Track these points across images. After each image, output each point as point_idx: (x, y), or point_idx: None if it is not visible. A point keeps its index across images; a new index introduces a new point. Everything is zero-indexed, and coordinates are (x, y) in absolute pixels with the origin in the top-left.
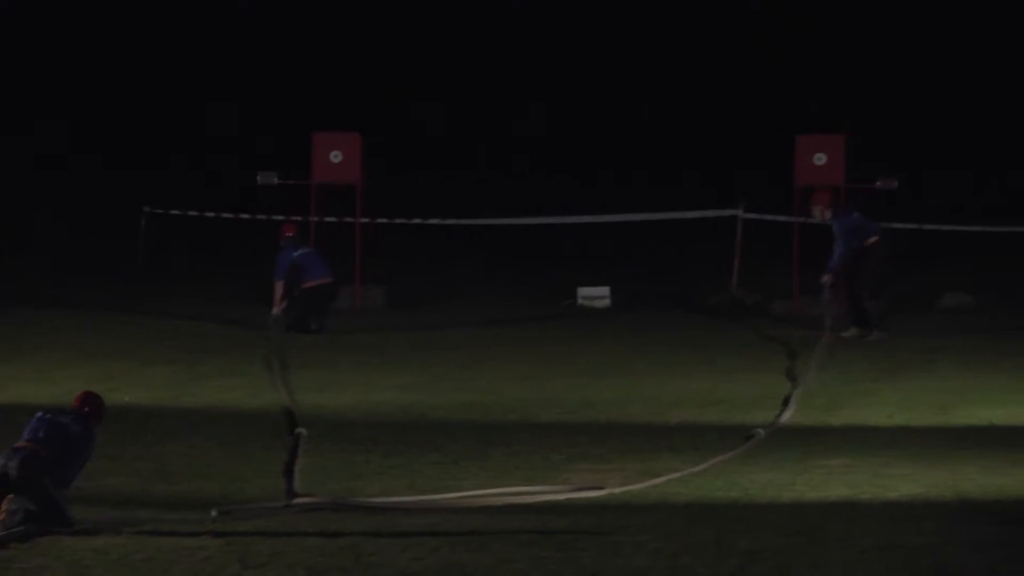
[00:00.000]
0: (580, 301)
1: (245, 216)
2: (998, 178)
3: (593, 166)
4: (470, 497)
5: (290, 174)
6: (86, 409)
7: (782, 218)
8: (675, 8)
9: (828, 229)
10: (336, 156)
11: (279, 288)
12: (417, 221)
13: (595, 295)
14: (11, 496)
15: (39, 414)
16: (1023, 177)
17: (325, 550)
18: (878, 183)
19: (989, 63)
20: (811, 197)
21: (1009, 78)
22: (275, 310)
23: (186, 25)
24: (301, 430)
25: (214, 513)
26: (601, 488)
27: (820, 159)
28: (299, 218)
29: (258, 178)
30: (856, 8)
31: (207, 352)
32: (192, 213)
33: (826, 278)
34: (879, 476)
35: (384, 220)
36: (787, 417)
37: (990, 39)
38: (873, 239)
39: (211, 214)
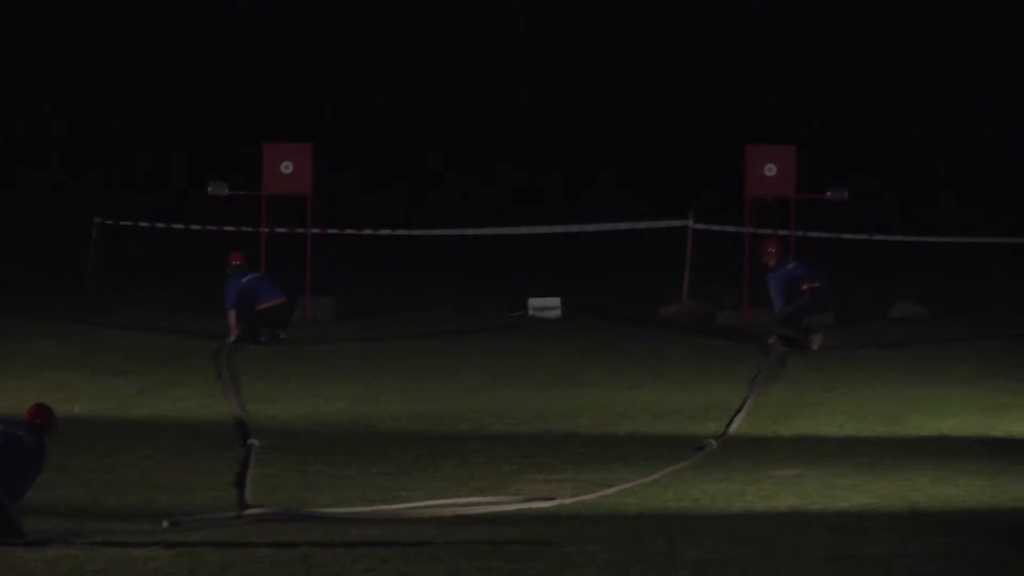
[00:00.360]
0: (531, 312)
1: (196, 227)
2: (953, 189)
3: (545, 176)
4: (421, 508)
5: (242, 184)
6: (38, 421)
7: (732, 228)
8: (625, 17)
9: (769, 236)
10: (287, 167)
11: (231, 317)
12: (368, 232)
13: (546, 306)
14: None
15: None
16: (979, 190)
17: (276, 561)
18: (828, 193)
19: (945, 74)
20: (763, 242)
21: (962, 95)
22: (230, 338)
23: (143, 31)
24: (253, 441)
25: (165, 524)
26: (552, 499)
27: (770, 169)
28: (249, 228)
29: (209, 188)
30: (811, 17)
31: (158, 363)
32: (143, 223)
33: (772, 340)
34: (829, 486)
35: (335, 231)
36: (737, 426)
37: (949, 48)
38: (807, 285)
39: (162, 225)
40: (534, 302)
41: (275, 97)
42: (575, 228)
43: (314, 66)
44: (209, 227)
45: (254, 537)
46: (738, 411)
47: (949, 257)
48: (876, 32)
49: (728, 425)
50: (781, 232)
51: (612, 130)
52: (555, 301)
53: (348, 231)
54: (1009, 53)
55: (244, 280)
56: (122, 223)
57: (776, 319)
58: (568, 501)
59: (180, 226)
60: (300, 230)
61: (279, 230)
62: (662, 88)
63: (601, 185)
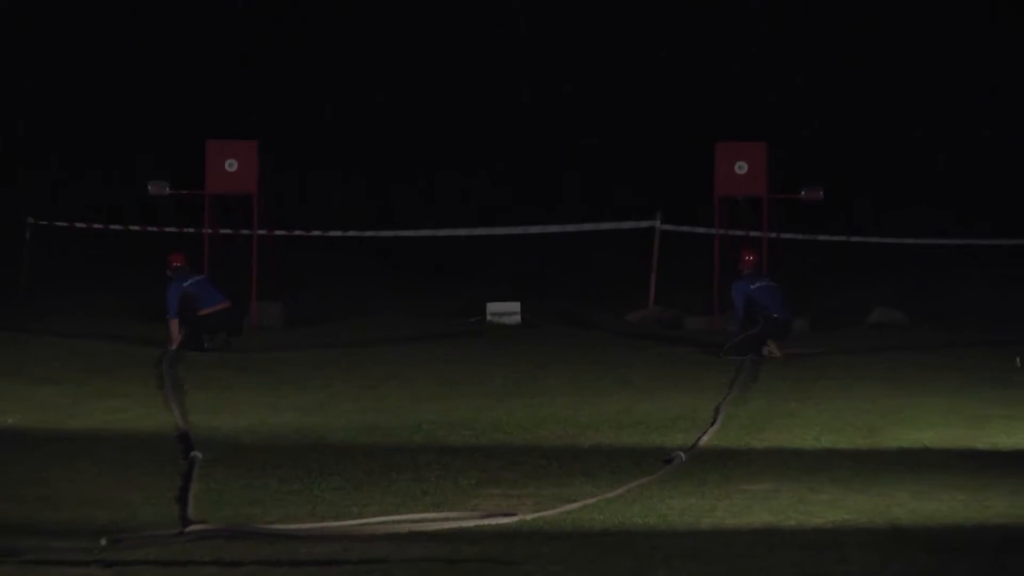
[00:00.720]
0: (489, 317)
1: (135, 228)
2: (936, 190)
3: (505, 176)
4: (374, 524)
5: (185, 183)
6: None
7: (701, 230)
8: (592, 14)
9: (749, 241)
10: (231, 165)
11: (173, 325)
12: (317, 233)
13: (505, 311)
14: None
15: None
16: (961, 191)
17: None
18: (803, 192)
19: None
20: (742, 249)
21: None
22: (172, 346)
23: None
24: (196, 453)
25: (103, 542)
26: (513, 514)
27: (741, 167)
28: (192, 229)
29: (149, 188)
30: (786, 17)
31: (96, 372)
32: (80, 225)
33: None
34: (804, 502)
35: (283, 232)
36: (708, 438)
37: (928, 49)
38: (771, 314)
39: (99, 226)
40: (493, 307)
41: (221, 93)
42: (535, 229)
43: (264, 62)
44: (149, 228)
45: (197, 555)
46: (712, 423)
47: (927, 260)
48: (874, 32)
49: (699, 437)
50: (753, 234)
51: (580, 129)
52: (515, 306)
53: (296, 232)
54: (1000, 52)
55: (185, 284)
56: (56, 224)
57: (726, 346)
58: (529, 517)
59: (118, 227)
60: (245, 231)
61: (223, 231)
62: (643, 88)
63: (566, 185)
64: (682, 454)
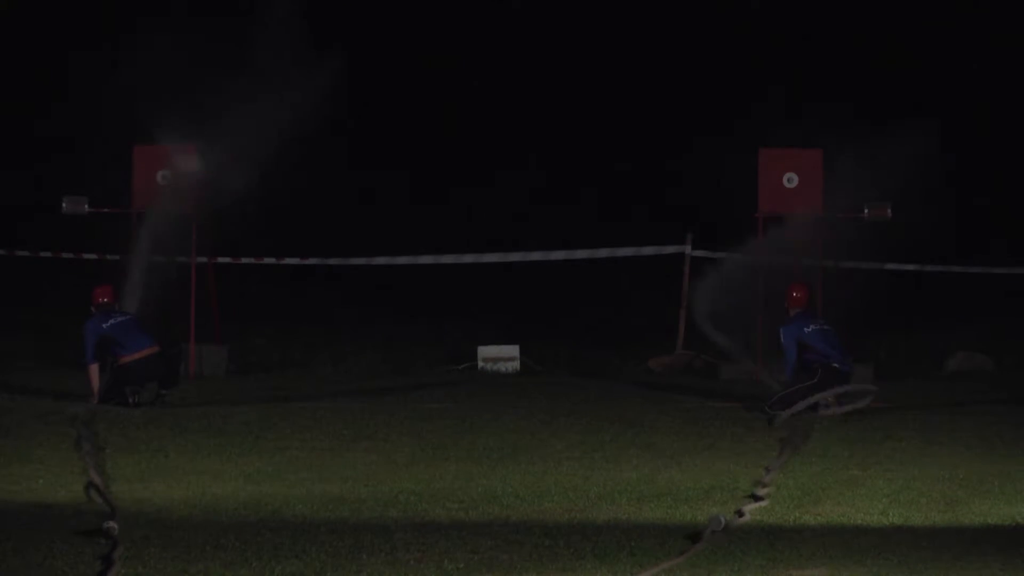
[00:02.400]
0: (481, 364)
1: (47, 254)
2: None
3: (502, 194)
4: None
5: (108, 200)
6: None
7: (740, 256)
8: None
9: (801, 271)
10: (165, 176)
11: (92, 373)
12: (270, 261)
13: (500, 356)
14: None
15: None
16: None
17: None
18: (866, 211)
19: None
20: (789, 285)
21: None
22: (93, 400)
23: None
24: (111, 524)
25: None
26: None
27: (791, 180)
28: (115, 256)
29: (64, 205)
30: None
31: (0, 431)
32: None
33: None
34: None
35: (227, 260)
36: (751, 511)
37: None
38: (830, 363)
39: (2, 252)
40: (485, 351)
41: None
42: (537, 256)
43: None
44: (64, 254)
45: None
46: (757, 498)
47: (1018, 295)
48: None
49: (740, 511)
50: (805, 262)
51: (590, 141)
52: (512, 350)
53: (244, 260)
54: None
55: (105, 326)
56: None
57: (772, 398)
58: None
59: (26, 253)
60: (182, 258)
61: (155, 259)
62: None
63: (581, 204)
64: (722, 518)
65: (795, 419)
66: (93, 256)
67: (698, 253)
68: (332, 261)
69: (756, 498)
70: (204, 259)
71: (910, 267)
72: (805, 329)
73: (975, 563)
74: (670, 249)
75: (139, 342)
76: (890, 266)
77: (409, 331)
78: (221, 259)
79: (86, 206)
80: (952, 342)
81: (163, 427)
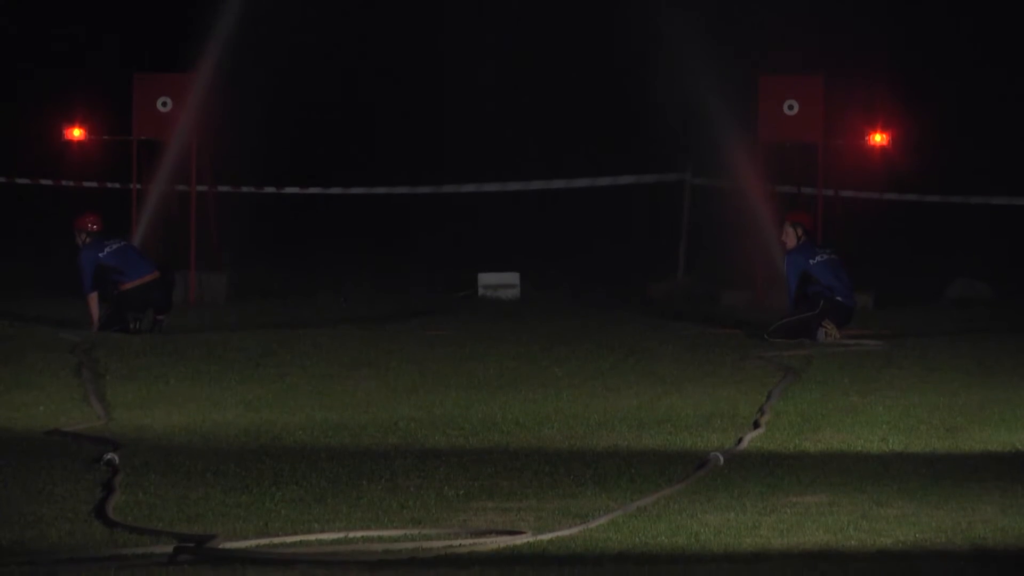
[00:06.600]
0: (481, 291)
1: (47, 182)
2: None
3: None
4: (340, 546)
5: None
6: None
7: (741, 184)
8: None
9: (803, 199)
10: (165, 104)
11: (91, 302)
12: (270, 190)
13: (500, 283)
14: None
15: None
16: None
17: None
18: (869, 139)
19: None
20: (787, 213)
21: None
22: (92, 328)
23: None
24: (111, 455)
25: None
26: (520, 533)
27: (791, 107)
28: (116, 184)
29: (64, 133)
30: None
31: None
32: None
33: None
34: (868, 517)
35: (227, 188)
36: (750, 440)
37: None
38: (834, 296)
39: (2, 179)
40: (485, 278)
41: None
42: (537, 185)
43: None
44: (64, 183)
45: None
46: (756, 422)
47: (1019, 222)
48: None
49: (740, 438)
50: (805, 190)
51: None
52: (512, 277)
53: (244, 188)
54: None
55: (101, 255)
56: None
57: (772, 327)
58: (545, 537)
59: (26, 181)
60: (182, 187)
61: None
62: None
63: (574, 132)
64: (719, 455)
65: (793, 346)
66: (93, 184)
67: (699, 181)
68: (333, 190)
69: (755, 425)
70: (204, 187)
71: (910, 196)
72: (811, 260)
73: (975, 489)
74: (671, 177)
75: (140, 268)
76: (889, 195)
77: (409, 259)
78: (222, 188)
79: (84, 133)
80: (952, 270)
81: (163, 354)
